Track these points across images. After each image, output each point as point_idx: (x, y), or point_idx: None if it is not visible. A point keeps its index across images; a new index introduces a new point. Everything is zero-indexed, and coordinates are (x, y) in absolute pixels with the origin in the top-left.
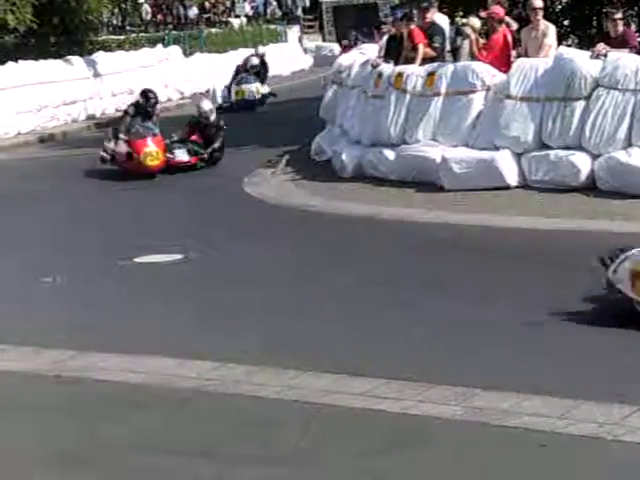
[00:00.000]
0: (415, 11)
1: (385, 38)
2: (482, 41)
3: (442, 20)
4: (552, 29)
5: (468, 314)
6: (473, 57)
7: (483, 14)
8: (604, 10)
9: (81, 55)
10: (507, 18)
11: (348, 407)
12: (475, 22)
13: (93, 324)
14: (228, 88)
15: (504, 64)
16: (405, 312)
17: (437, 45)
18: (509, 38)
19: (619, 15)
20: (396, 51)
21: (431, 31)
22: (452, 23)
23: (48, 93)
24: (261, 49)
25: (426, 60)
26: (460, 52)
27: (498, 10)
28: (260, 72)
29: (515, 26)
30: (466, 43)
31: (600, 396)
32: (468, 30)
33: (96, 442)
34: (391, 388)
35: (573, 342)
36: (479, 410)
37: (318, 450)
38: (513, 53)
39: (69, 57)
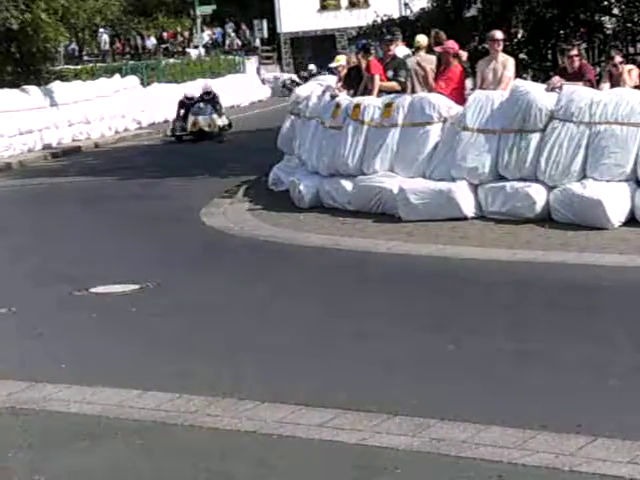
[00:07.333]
0: (374, 43)
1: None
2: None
3: (404, 52)
4: (512, 61)
5: (424, 345)
6: (429, 89)
7: (438, 49)
8: (559, 46)
9: (38, 84)
10: (460, 51)
11: (306, 438)
12: (422, 40)
13: (49, 355)
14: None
15: (460, 96)
16: (363, 343)
17: (402, 79)
18: (462, 71)
19: (574, 52)
20: (356, 82)
21: (396, 64)
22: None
23: (4, 122)
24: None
25: (391, 93)
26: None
27: (453, 44)
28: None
29: (465, 56)
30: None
31: (556, 427)
32: (424, 63)
33: (53, 475)
34: (349, 419)
35: (529, 373)
36: (436, 441)
37: None
38: (468, 85)
39: (26, 86)
